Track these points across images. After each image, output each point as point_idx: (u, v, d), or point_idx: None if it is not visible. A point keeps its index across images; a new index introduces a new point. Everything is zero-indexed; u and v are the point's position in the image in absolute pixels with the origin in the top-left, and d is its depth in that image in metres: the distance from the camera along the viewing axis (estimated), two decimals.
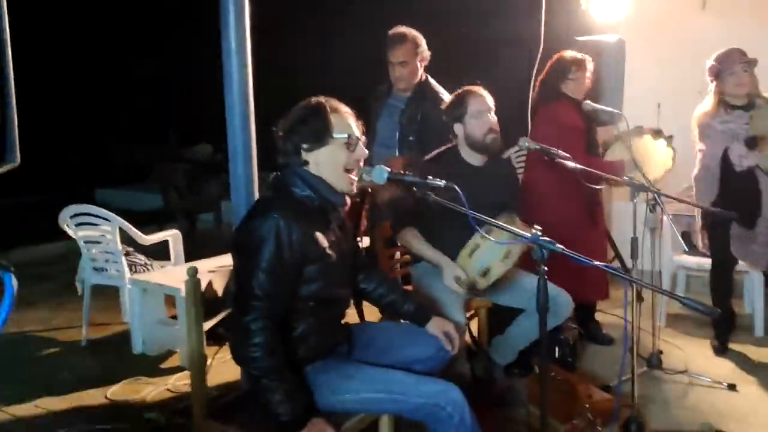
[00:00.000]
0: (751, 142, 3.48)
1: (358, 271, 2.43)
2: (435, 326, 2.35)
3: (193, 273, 2.22)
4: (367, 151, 2.22)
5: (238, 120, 2.72)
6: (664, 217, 4.10)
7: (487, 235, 2.41)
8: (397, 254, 3.46)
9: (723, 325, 3.88)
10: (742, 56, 3.56)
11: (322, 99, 2.18)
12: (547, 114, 3.74)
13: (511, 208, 2.84)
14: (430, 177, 2.13)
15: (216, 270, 3.55)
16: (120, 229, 4.01)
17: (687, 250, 4.23)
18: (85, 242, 4.06)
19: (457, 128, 3.08)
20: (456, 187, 2.04)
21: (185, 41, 9.06)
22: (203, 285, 2.30)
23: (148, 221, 6.51)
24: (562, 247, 1.83)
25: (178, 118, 9.68)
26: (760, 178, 3.56)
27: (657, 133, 3.81)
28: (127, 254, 4.12)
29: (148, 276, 3.98)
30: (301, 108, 2.17)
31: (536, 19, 4.46)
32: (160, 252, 4.46)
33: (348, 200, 2.23)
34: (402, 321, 2.48)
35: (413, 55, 3.72)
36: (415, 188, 2.14)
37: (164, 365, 3.80)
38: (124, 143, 9.32)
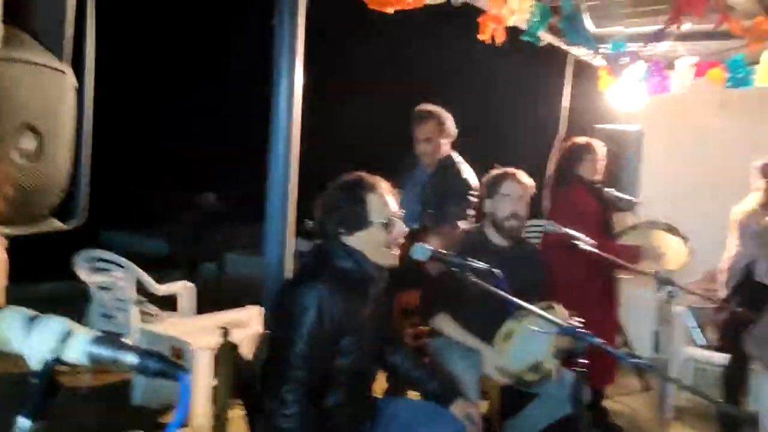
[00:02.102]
0: None
1: (385, 344, 2.42)
2: (458, 408, 2.33)
3: (225, 334, 2.21)
4: (406, 228, 2.23)
5: (280, 179, 2.76)
6: (676, 309, 4.12)
7: (521, 320, 2.41)
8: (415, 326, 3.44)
9: (731, 423, 3.83)
10: None
11: (358, 177, 2.15)
12: (564, 199, 3.83)
13: (539, 291, 2.84)
14: (470, 258, 2.15)
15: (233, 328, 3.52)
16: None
17: (701, 343, 4.20)
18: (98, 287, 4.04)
19: (487, 204, 3.14)
20: (498, 272, 2.06)
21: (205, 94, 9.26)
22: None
23: (149, 267, 6.44)
24: (601, 340, 1.84)
25: (185, 164, 9.75)
26: None
27: (671, 230, 3.83)
28: (138, 303, 4.10)
29: (156, 326, 3.94)
30: (338, 190, 2.14)
31: (558, 104, 4.58)
32: (167, 301, 4.42)
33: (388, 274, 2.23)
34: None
35: (437, 133, 3.77)
36: (453, 269, 2.15)
37: (163, 420, 3.70)
38: (134, 186, 9.34)
